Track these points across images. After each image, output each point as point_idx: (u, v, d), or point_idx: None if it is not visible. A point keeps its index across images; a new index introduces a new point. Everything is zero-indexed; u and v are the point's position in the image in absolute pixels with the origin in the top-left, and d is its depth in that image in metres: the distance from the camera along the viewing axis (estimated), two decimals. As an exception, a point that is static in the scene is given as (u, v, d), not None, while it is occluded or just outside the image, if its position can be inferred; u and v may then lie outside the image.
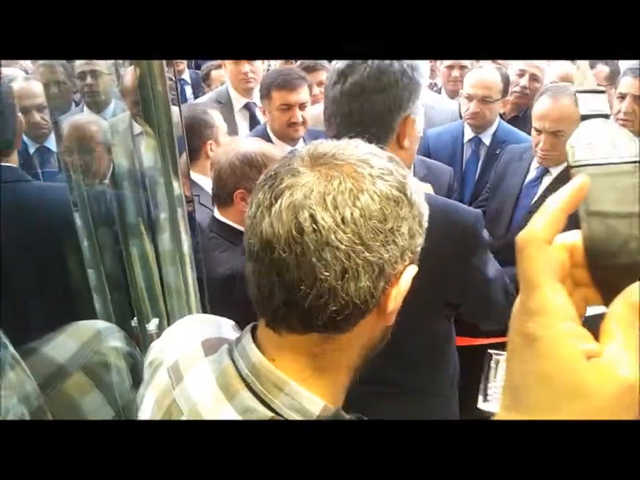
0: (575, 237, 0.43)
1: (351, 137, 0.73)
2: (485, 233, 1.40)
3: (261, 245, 0.66)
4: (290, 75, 2.56)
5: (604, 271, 0.41)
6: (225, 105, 2.95)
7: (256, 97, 2.97)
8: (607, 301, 0.41)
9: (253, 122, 3.02)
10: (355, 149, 0.69)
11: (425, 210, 0.72)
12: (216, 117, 2.35)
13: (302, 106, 2.51)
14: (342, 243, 0.62)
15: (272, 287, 0.66)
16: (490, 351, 2.20)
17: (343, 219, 0.62)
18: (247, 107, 3.06)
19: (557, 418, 0.39)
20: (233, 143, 2.04)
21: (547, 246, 0.41)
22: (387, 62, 1.18)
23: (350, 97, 1.19)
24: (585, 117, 0.46)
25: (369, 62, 1.18)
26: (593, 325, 0.41)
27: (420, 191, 0.72)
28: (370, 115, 1.19)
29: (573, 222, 0.43)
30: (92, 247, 1.30)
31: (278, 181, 0.66)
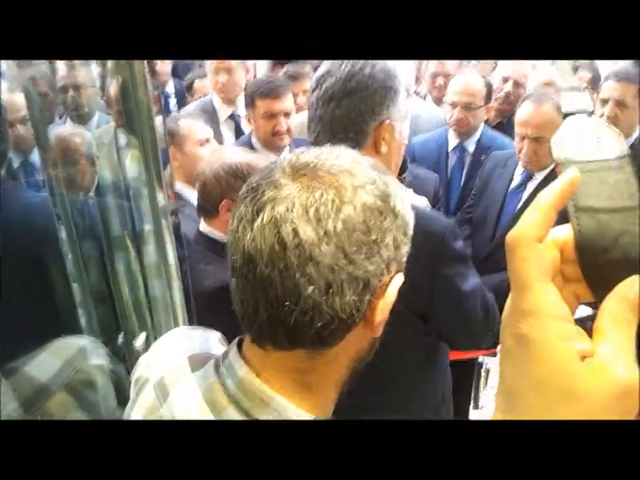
0: (566, 232, 0.42)
1: (331, 143, 0.72)
2: (459, 244, 1.36)
3: (243, 261, 0.65)
4: (274, 83, 2.56)
5: (595, 267, 0.40)
6: (211, 115, 2.94)
7: (241, 107, 2.97)
8: (598, 297, 0.40)
9: (239, 133, 3.01)
10: (337, 158, 0.68)
11: (410, 218, 0.71)
12: (184, 126, 2.33)
13: (286, 114, 2.51)
14: (325, 257, 0.61)
15: (256, 304, 0.65)
16: (480, 358, 2.20)
17: (325, 232, 0.61)
18: (232, 117, 3.06)
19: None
20: (217, 153, 2.03)
21: (538, 244, 0.40)
22: (359, 67, 1.19)
23: (323, 102, 1.21)
24: (568, 114, 0.46)
25: (342, 67, 1.19)
26: (582, 325, 0.40)
27: (405, 199, 0.71)
28: (342, 120, 1.20)
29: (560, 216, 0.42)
30: (76, 260, 1.29)
31: (259, 194, 0.65)
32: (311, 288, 0.62)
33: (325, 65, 1.25)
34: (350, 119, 1.20)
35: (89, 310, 1.33)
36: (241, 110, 2.99)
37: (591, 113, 0.46)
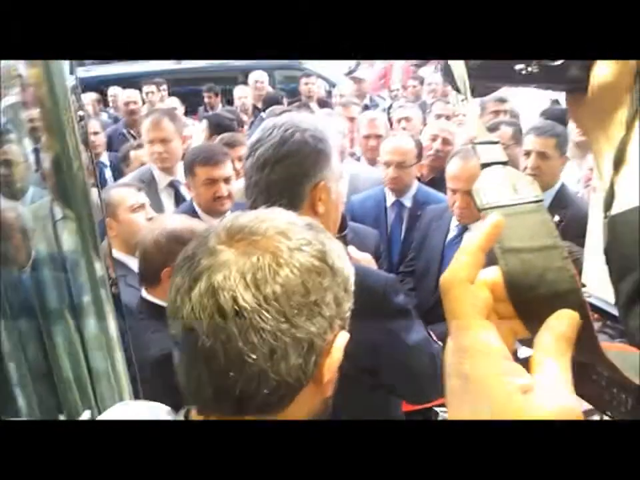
0: (494, 273, 0.44)
1: (267, 206, 0.74)
2: (400, 298, 1.37)
3: (184, 333, 0.64)
4: (212, 151, 2.61)
5: (526, 304, 0.42)
6: (149, 184, 2.94)
7: (180, 174, 2.99)
8: (532, 332, 0.42)
9: (178, 199, 3.02)
10: (272, 221, 0.68)
11: (350, 273, 0.71)
12: (115, 194, 2.33)
13: (227, 180, 2.55)
14: (267, 323, 0.61)
15: (199, 377, 0.64)
16: (435, 408, 2.20)
17: (265, 298, 0.61)
18: (171, 184, 3.07)
19: None
20: (157, 221, 2.03)
21: (469, 285, 0.41)
22: (289, 133, 1.23)
23: (257, 168, 1.24)
24: (484, 165, 0.49)
25: (274, 134, 1.23)
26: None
27: (343, 255, 0.71)
28: (277, 185, 1.23)
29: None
30: (11, 338, 1.24)
31: (196, 262, 0.64)
32: (254, 355, 0.61)
33: (257, 133, 1.29)
34: (285, 183, 1.23)
35: (27, 389, 1.27)
36: (180, 176, 3.01)
37: (505, 164, 0.49)
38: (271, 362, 0.62)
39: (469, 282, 0.42)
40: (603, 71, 0.55)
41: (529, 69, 0.56)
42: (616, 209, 0.54)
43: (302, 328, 0.63)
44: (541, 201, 0.45)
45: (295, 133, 1.24)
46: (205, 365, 0.63)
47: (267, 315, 0.61)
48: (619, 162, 0.55)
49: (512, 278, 0.42)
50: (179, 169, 3.01)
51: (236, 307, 0.60)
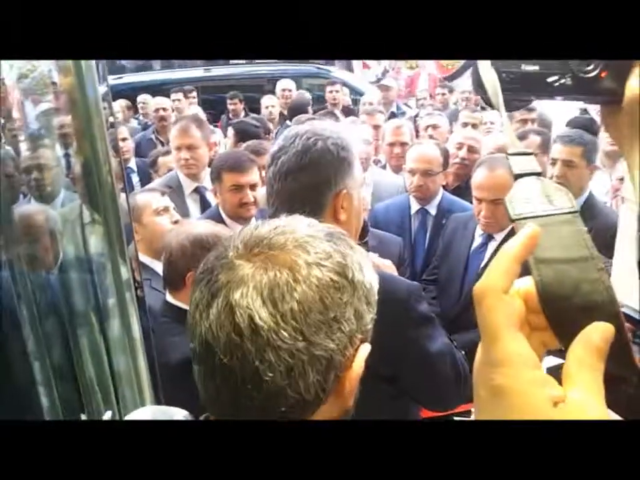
0: (528, 283, 0.44)
1: (288, 215, 0.72)
2: (423, 307, 1.37)
3: (201, 348, 0.64)
4: (240, 158, 2.64)
5: (559, 314, 0.42)
6: (176, 189, 2.98)
7: (206, 180, 3.03)
8: (564, 344, 0.42)
9: (204, 205, 3.05)
10: (291, 233, 0.66)
11: (373, 284, 0.70)
12: (140, 199, 2.37)
13: (253, 186, 2.57)
14: (284, 342, 0.60)
15: (218, 391, 0.64)
16: (455, 418, 2.18)
17: (282, 316, 0.60)
18: (197, 190, 3.10)
19: None
20: (183, 225, 2.05)
21: (504, 295, 0.41)
22: (312, 141, 1.23)
23: (279, 177, 1.24)
24: (518, 176, 0.48)
25: (297, 142, 1.23)
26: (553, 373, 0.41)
27: (366, 265, 0.70)
28: (299, 193, 1.23)
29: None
30: (37, 338, 1.27)
31: (214, 277, 0.64)
32: (271, 374, 0.60)
33: (279, 141, 1.30)
34: (307, 191, 1.23)
35: (51, 389, 1.30)
36: (207, 183, 3.04)
37: (539, 174, 0.48)
38: (288, 380, 0.61)
39: (503, 292, 0.41)
40: (638, 83, 0.54)
41: (562, 80, 0.56)
42: None
43: (320, 345, 0.62)
44: (576, 212, 0.44)
45: (318, 142, 1.24)
46: (222, 380, 0.63)
47: (284, 334, 0.60)
48: None
49: (546, 288, 0.42)
50: (205, 175, 3.05)
51: (252, 325, 0.60)
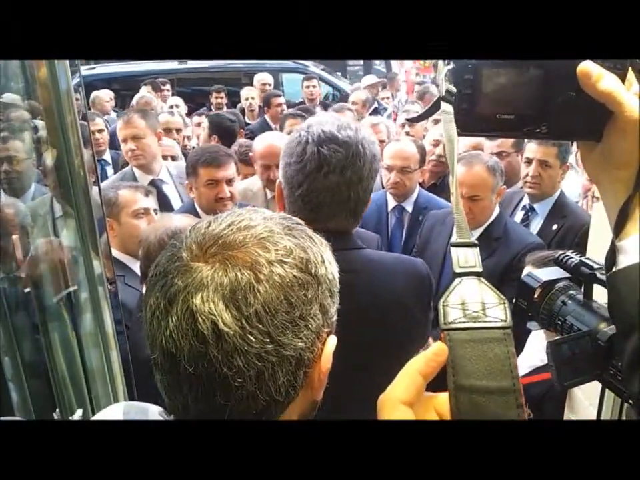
0: (444, 402, 0.43)
1: (302, 216, 0.68)
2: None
3: (164, 358, 0.59)
4: (217, 152, 2.61)
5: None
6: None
7: (162, 173, 3.03)
8: None
9: (161, 198, 3.01)
10: (249, 229, 0.62)
11: (335, 274, 0.67)
12: (122, 197, 2.32)
13: (229, 181, 2.55)
14: (251, 346, 0.57)
15: (185, 401, 0.60)
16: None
17: (247, 319, 0.56)
18: (153, 183, 3.04)
19: None
20: (161, 220, 2.02)
21: (400, 406, 0.42)
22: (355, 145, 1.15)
23: (348, 184, 1.15)
24: (458, 275, 0.47)
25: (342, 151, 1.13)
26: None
27: (328, 255, 0.67)
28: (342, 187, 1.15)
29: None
30: (7, 333, 1.24)
31: (169, 282, 0.59)
32: (240, 380, 0.57)
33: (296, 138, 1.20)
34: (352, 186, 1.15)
35: (22, 384, 1.27)
36: (163, 175, 3.03)
37: (479, 274, 0.47)
38: (258, 384, 0.58)
39: (402, 403, 0.42)
40: (619, 136, 0.56)
41: (537, 130, 0.57)
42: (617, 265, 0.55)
43: (289, 345, 0.59)
44: (508, 327, 0.43)
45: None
46: (189, 390, 0.59)
47: (251, 338, 0.57)
48: (623, 219, 0.56)
49: (462, 417, 0.41)
50: (160, 167, 3.04)
51: (217, 332, 0.56)
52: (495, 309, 0.44)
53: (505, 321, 0.43)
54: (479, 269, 0.47)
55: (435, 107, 0.57)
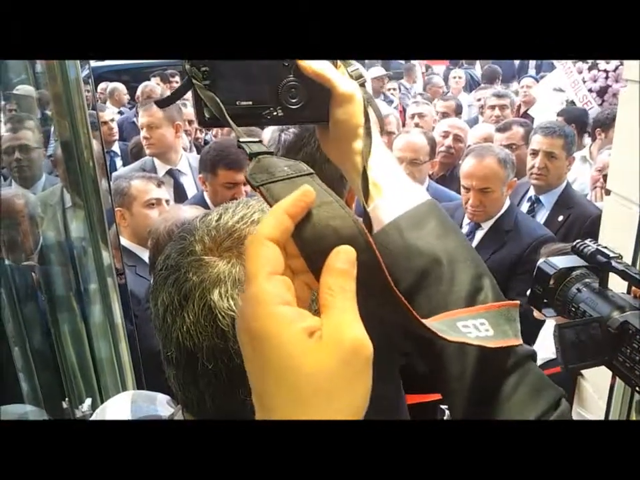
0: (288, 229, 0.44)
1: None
2: None
3: (180, 354, 0.57)
4: (238, 155, 2.55)
5: (315, 255, 0.43)
6: (150, 172, 2.94)
7: (181, 164, 3.03)
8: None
9: (177, 188, 3.01)
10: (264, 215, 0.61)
11: None
12: (134, 187, 2.32)
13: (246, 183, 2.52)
14: None
15: (201, 396, 0.59)
16: (442, 406, 2.18)
17: None
18: (170, 173, 3.06)
19: (307, 408, 0.38)
20: (171, 211, 2.03)
21: (266, 241, 0.41)
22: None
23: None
24: (253, 155, 0.50)
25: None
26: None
27: None
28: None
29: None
30: (17, 324, 1.25)
31: (182, 276, 0.57)
32: None
33: (293, 130, 1.23)
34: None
35: (31, 375, 1.28)
36: (182, 167, 3.04)
37: (271, 154, 0.51)
38: None
39: (267, 239, 0.41)
40: (339, 110, 0.65)
41: (274, 113, 0.64)
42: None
43: None
44: (312, 173, 0.47)
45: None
46: (206, 386, 0.58)
47: None
48: (365, 187, 0.64)
49: (300, 232, 0.43)
50: (178, 159, 3.04)
51: None
52: (295, 166, 0.48)
53: (307, 169, 0.48)
54: (271, 150, 0.51)
55: (185, 88, 0.62)
